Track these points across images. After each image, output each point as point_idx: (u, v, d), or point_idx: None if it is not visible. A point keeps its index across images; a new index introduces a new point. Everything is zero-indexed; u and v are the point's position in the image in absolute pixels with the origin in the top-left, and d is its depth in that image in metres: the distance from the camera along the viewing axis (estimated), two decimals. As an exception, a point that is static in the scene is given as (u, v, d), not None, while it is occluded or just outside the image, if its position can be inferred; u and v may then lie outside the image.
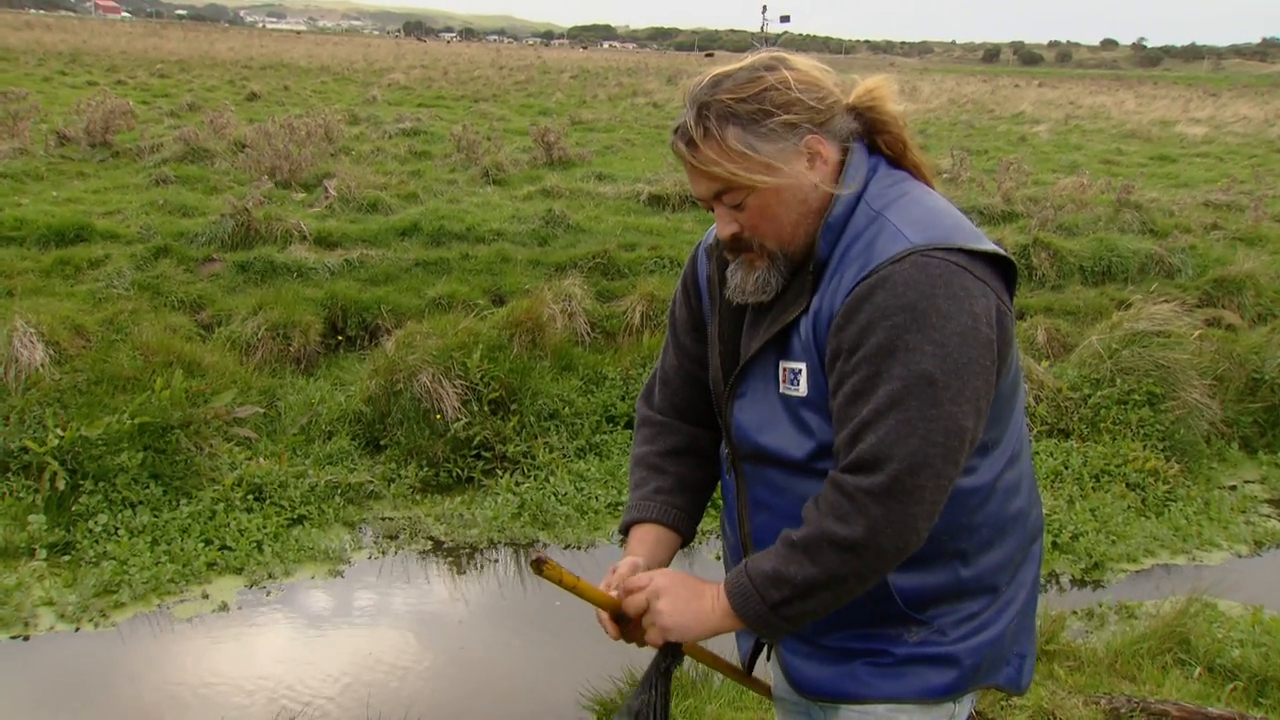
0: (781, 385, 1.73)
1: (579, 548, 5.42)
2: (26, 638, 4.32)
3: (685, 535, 1.98)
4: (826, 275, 1.68)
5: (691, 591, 1.75)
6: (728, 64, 1.70)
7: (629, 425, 6.59)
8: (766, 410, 1.76)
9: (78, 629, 4.40)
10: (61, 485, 5.02)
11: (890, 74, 1.74)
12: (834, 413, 1.64)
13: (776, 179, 1.66)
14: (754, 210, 1.69)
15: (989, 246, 1.65)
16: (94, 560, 4.79)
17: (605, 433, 6.49)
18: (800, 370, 1.70)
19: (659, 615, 1.74)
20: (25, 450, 5.17)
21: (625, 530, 1.99)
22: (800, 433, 1.71)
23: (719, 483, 2.01)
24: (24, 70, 25.36)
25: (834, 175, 1.70)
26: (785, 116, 1.64)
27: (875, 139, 1.75)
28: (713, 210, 1.74)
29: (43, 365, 5.89)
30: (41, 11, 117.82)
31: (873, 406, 1.56)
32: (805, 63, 1.69)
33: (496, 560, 5.30)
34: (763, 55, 1.68)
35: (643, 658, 1.89)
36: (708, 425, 2.02)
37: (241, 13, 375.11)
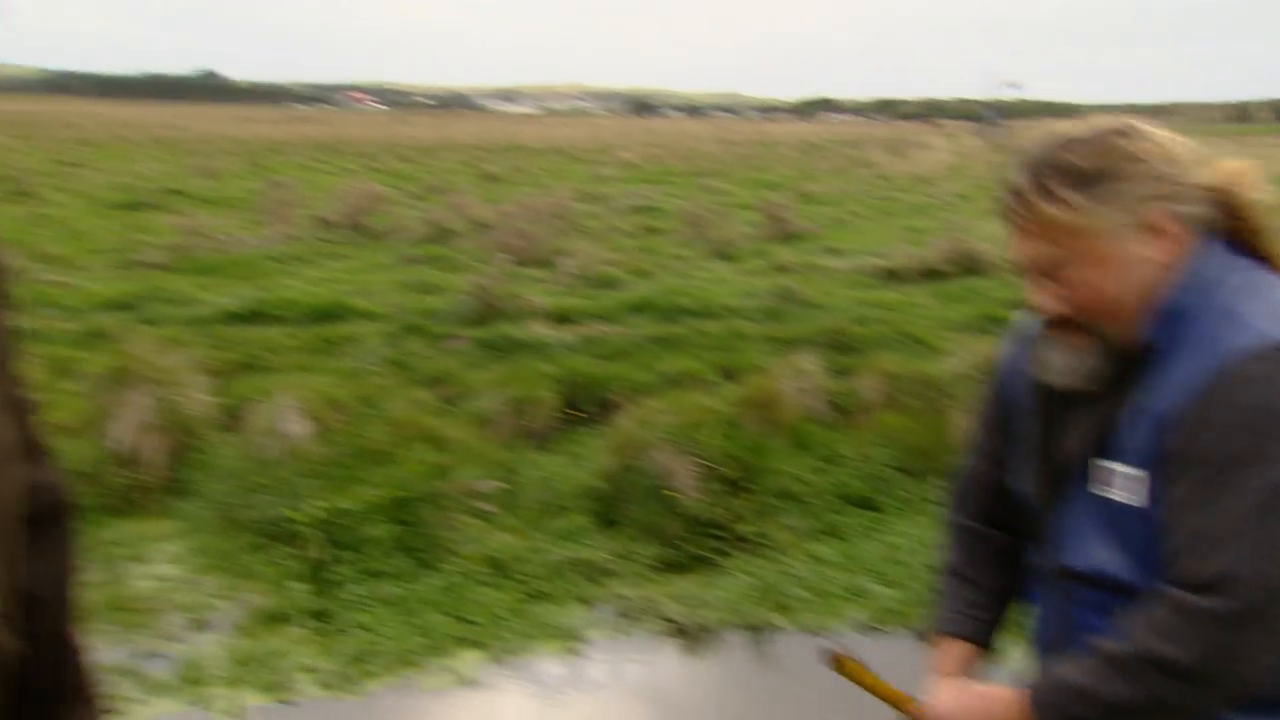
0: (1106, 489, 1.58)
1: (814, 632, 5.25)
2: (291, 703, 4.52)
3: (992, 650, 1.88)
4: (1159, 368, 1.52)
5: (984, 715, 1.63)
6: (1068, 127, 1.58)
7: (867, 506, 6.38)
8: (1094, 521, 1.60)
9: (336, 697, 4.57)
10: (321, 555, 5.27)
11: (1255, 161, 1.59)
12: (1167, 521, 1.47)
13: (1110, 249, 1.52)
14: (1078, 283, 1.55)
15: None
16: (347, 629, 4.98)
17: (840, 513, 6.30)
18: (1127, 474, 1.54)
19: None
20: (289, 520, 5.47)
21: (935, 634, 1.91)
22: (1128, 549, 1.55)
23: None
24: (291, 160, 27.62)
25: (1174, 255, 1.54)
26: (1132, 185, 1.51)
27: (1231, 226, 1.58)
28: (1028, 279, 1.61)
29: (305, 439, 6.25)
30: (304, 106, 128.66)
31: (1221, 520, 1.40)
32: (1160, 134, 1.55)
33: (733, 644, 5.20)
34: (1112, 120, 1.55)
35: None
36: (1019, 533, 1.87)
37: (480, 99, 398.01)
